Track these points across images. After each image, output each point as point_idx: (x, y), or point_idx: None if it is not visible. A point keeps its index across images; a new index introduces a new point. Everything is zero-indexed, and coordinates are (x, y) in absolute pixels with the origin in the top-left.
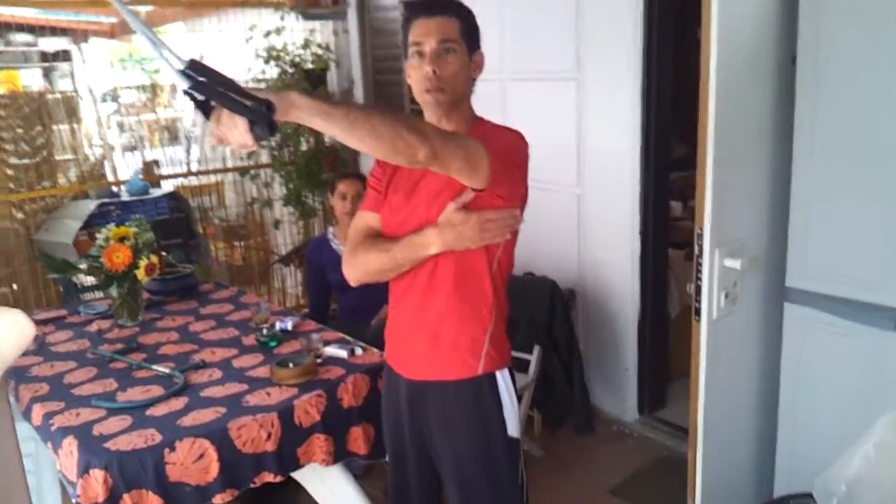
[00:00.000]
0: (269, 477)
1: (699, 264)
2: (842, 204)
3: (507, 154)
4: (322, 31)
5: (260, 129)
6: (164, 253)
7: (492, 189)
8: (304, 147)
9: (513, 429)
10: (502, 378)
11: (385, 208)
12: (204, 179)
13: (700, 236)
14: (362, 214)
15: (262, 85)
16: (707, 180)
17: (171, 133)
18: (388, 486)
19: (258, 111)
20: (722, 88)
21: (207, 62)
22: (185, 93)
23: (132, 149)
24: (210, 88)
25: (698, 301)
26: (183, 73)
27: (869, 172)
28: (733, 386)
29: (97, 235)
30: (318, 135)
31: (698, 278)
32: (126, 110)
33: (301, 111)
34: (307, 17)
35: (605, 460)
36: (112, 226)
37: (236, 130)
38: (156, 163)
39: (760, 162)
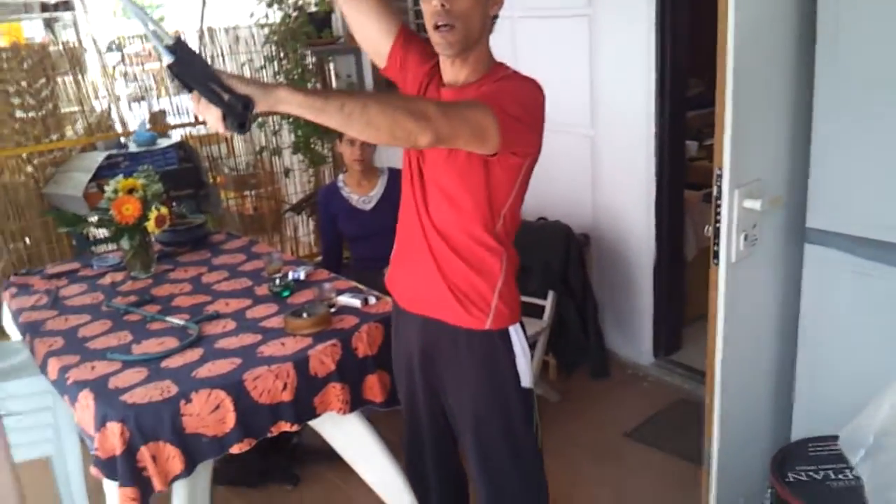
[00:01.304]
0: (286, 426)
1: (718, 206)
2: (865, 142)
3: (521, 108)
4: None
5: (230, 123)
6: (174, 204)
7: (503, 150)
8: None
9: (526, 380)
10: (515, 332)
11: None
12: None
13: (719, 177)
14: None
15: (266, 31)
16: (726, 119)
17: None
18: (403, 431)
19: (233, 107)
20: (741, 22)
21: (196, 45)
22: (168, 68)
23: (139, 99)
24: (190, 73)
25: (717, 244)
26: (168, 48)
27: (894, 110)
28: (751, 330)
29: (105, 188)
30: (325, 80)
31: (717, 220)
32: (131, 60)
33: (290, 106)
34: None
35: (621, 404)
36: (120, 177)
37: (211, 115)
38: (163, 112)
39: (781, 99)
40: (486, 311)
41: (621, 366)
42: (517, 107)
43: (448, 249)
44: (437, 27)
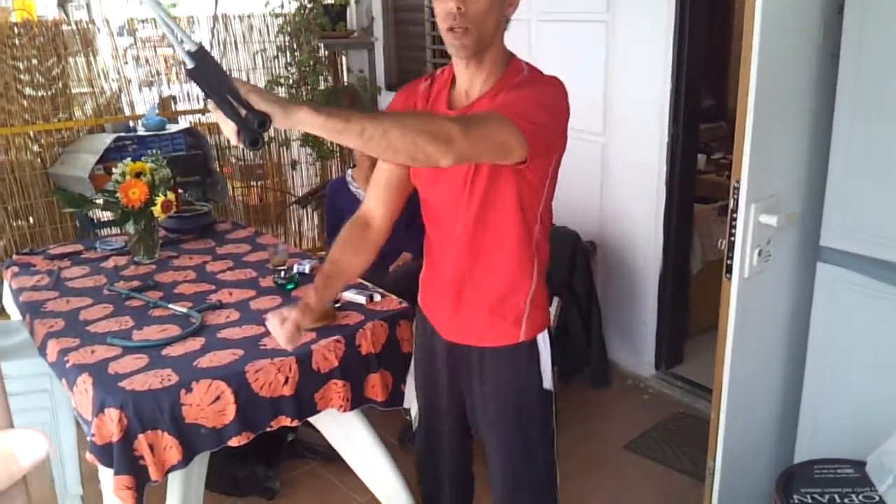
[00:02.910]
0: (286, 421)
1: (733, 219)
2: (882, 162)
3: (545, 112)
4: None
5: (244, 138)
6: (181, 190)
7: (532, 157)
8: (322, 86)
9: (548, 382)
10: (542, 340)
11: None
12: None
13: (736, 190)
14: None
15: (280, 21)
16: (746, 133)
17: None
18: (418, 430)
19: (248, 123)
20: (766, 38)
21: (215, 56)
22: (187, 73)
23: (149, 83)
24: (208, 82)
25: (730, 258)
26: (189, 54)
27: None
28: (760, 346)
29: (113, 170)
30: (336, 73)
31: (731, 234)
32: (143, 44)
33: (310, 127)
34: None
35: (621, 415)
36: (128, 161)
37: (226, 127)
38: (172, 98)
39: (801, 116)
40: (518, 324)
41: (622, 376)
42: (541, 112)
43: (479, 267)
44: (450, 29)
